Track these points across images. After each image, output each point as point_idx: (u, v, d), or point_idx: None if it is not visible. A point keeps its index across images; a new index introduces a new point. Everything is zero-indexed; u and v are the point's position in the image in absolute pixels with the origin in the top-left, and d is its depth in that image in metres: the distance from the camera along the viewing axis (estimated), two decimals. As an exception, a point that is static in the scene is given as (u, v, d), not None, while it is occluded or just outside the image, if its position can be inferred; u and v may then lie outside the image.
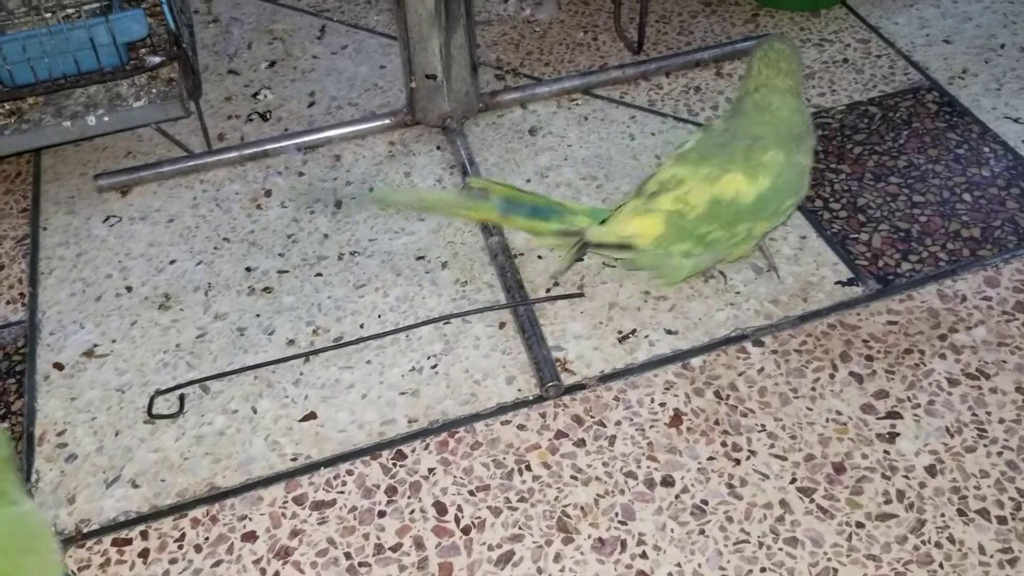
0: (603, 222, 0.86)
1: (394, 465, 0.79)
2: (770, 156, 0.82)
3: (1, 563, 0.60)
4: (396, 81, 1.21)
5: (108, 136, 1.13)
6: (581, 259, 0.94)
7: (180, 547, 0.74)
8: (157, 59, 1.01)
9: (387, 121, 1.13)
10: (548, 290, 0.92)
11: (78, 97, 1.04)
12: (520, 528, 0.74)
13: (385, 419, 0.82)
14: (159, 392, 0.85)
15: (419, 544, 0.73)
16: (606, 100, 1.16)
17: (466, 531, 0.74)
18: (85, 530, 0.76)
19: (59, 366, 0.88)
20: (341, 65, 1.25)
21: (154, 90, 1.04)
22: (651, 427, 0.80)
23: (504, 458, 0.79)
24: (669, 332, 0.88)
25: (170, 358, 0.89)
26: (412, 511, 0.75)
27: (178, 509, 0.77)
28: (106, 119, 0.99)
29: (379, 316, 0.91)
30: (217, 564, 0.73)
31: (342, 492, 0.77)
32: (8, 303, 0.95)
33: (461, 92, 1.10)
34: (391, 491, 0.77)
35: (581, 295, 0.91)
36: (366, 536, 0.74)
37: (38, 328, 0.92)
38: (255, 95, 1.20)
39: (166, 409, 0.84)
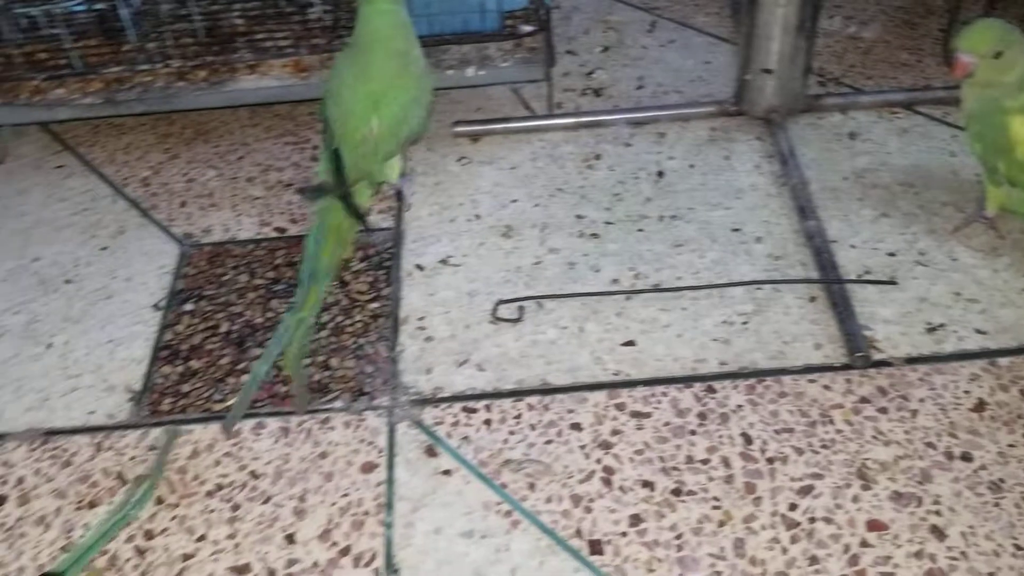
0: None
1: (705, 396, 0.92)
2: None
3: None
4: (720, 76, 1.35)
5: (463, 92, 1.35)
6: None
7: (517, 422, 0.91)
8: (529, 28, 1.22)
9: (711, 108, 1.27)
10: (859, 276, 1.02)
11: (453, 53, 1.26)
12: (821, 469, 0.84)
13: (698, 358, 0.96)
14: (502, 301, 1.03)
15: (726, 463, 0.86)
16: (927, 117, 1.25)
17: (770, 461, 0.86)
18: (439, 396, 0.94)
19: (420, 267, 1.09)
20: (668, 57, 1.41)
21: (517, 55, 1.24)
22: (954, 409, 0.88)
23: (808, 410, 0.90)
24: (979, 332, 0.95)
25: (511, 276, 1.07)
26: (720, 436, 0.88)
27: (516, 394, 0.94)
28: (481, 73, 1.20)
29: (695, 273, 1.05)
30: (548, 442, 0.89)
31: (657, 408, 0.91)
32: (380, 212, 1.17)
33: (791, 90, 1.22)
34: (701, 416, 0.90)
35: (894, 283, 1.01)
36: (678, 447, 0.87)
37: (403, 235, 1.14)
38: (589, 73, 1.39)
39: (507, 315, 1.02)
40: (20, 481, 0.90)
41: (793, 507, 0.81)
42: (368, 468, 0.88)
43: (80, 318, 1.07)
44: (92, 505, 0.87)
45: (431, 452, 0.89)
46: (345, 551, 0.82)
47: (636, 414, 0.90)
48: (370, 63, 0.92)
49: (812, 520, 0.80)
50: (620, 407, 0.91)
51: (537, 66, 1.21)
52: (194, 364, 1.00)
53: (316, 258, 0.93)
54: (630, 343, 0.98)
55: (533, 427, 0.90)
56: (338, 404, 0.94)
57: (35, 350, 1.04)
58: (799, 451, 0.86)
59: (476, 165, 1.24)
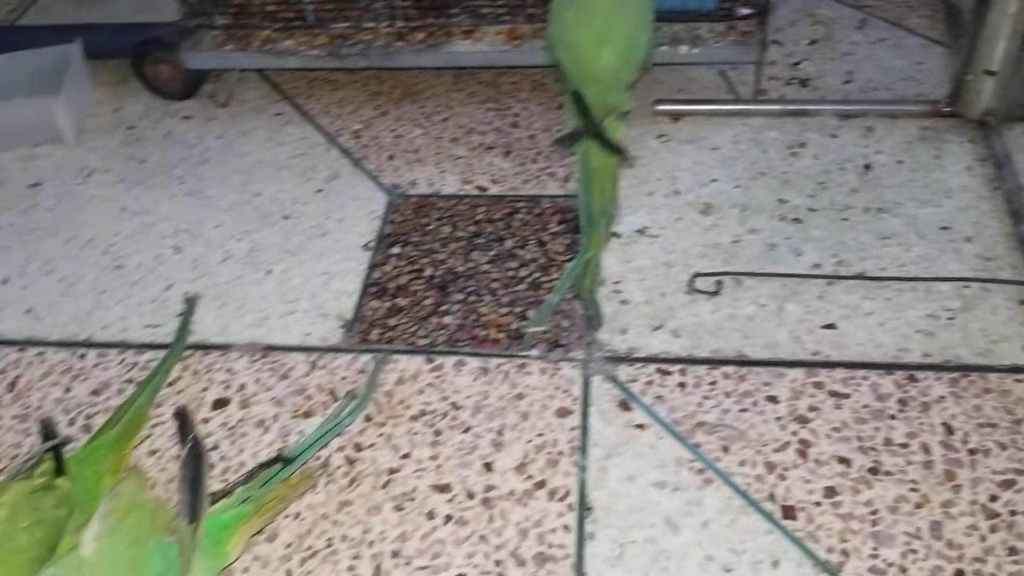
0: None
1: (906, 384, 0.92)
2: None
3: None
4: (932, 77, 1.34)
5: (664, 73, 1.38)
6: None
7: (712, 388, 0.94)
8: (747, 11, 1.24)
9: (923, 108, 1.26)
10: (1079, 285, 1.00)
11: (664, 31, 1.29)
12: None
13: (900, 347, 0.96)
14: (699, 274, 1.06)
15: (926, 449, 0.86)
16: None
17: (972, 452, 0.85)
18: (633, 356, 0.98)
19: (616, 235, 1.13)
20: (879, 54, 1.40)
21: (729, 37, 1.27)
22: None
23: (1014, 408, 0.89)
24: None
25: (708, 251, 1.09)
26: (920, 423, 0.88)
27: (711, 362, 0.96)
28: (694, 51, 1.24)
29: (900, 265, 1.05)
30: (743, 411, 0.91)
31: (857, 390, 0.92)
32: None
33: (1011, 94, 1.20)
34: (902, 403, 0.90)
35: (1116, 294, 0.98)
36: (876, 429, 0.88)
37: (602, 203, 1.18)
38: (796, 64, 1.39)
39: (704, 287, 1.05)
40: (242, 387, 0.99)
41: (994, 498, 0.81)
42: (563, 413, 0.93)
43: (297, 251, 1.16)
44: (307, 415, 0.96)
45: (625, 406, 0.93)
46: (540, 484, 0.87)
47: (835, 394, 0.92)
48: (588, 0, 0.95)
49: (1013, 513, 0.80)
50: (818, 385, 0.93)
51: (751, 49, 1.23)
52: (400, 302, 1.07)
53: (588, 203, 0.97)
54: (831, 326, 0.99)
55: (728, 395, 0.93)
56: (534, 353, 0.99)
57: (256, 275, 1.14)
58: (1002, 446, 0.85)
59: (676, 143, 1.27)
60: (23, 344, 1.08)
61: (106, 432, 0.87)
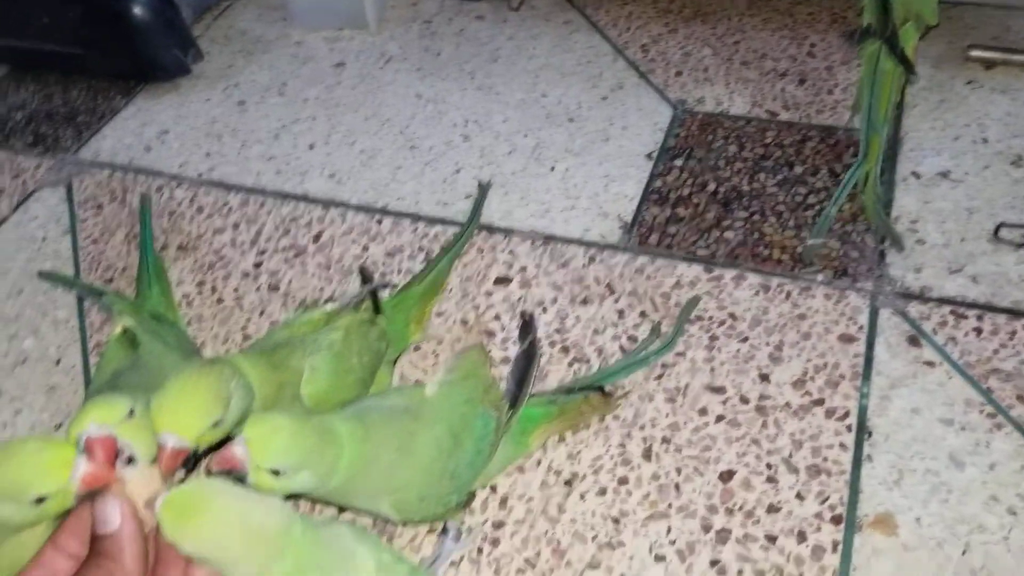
0: None
1: None
2: None
3: None
4: None
5: (978, 18, 1.32)
6: None
7: (1011, 338, 0.91)
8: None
9: None
10: None
11: (991, -29, 1.23)
12: None
13: None
14: (1005, 224, 1.02)
15: None
16: None
17: None
18: (927, 295, 0.97)
19: (916, 175, 1.11)
20: None
21: (1068, -18, 1.19)
22: None
23: None
24: None
25: (1016, 203, 1.05)
26: None
27: (1012, 312, 0.94)
28: (1027, -8, 1.18)
29: None
30: (1045, 364, 0.88)
31: None
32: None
33: None
34: None
35: None
36: None
37: (902, 141, 1.15)
38: None
39: (1009, 237, 1.01)
40: (523, 269, 1.06)
41: None
42: (846, 339, 0.93)
43: (580, 152, 1.22)
44: (585, 302, 1.01)
45: (914, 342, 0.92)
46: (818, 402, 0.88)
47: None
48: None
49: None
50: None
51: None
52: (680, 212, 1.10)
53: (869, 108, 0.96)
54: None
55: (1030, 347, 0.90)
56: (820, 278, 1.00)
57: (540, 170, 1.20)
58: None
59: (987, 91, 1.21)
60: (327, 203, 1.19)
61: (412, 287, 0.96)
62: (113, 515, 0.59)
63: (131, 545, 0.59)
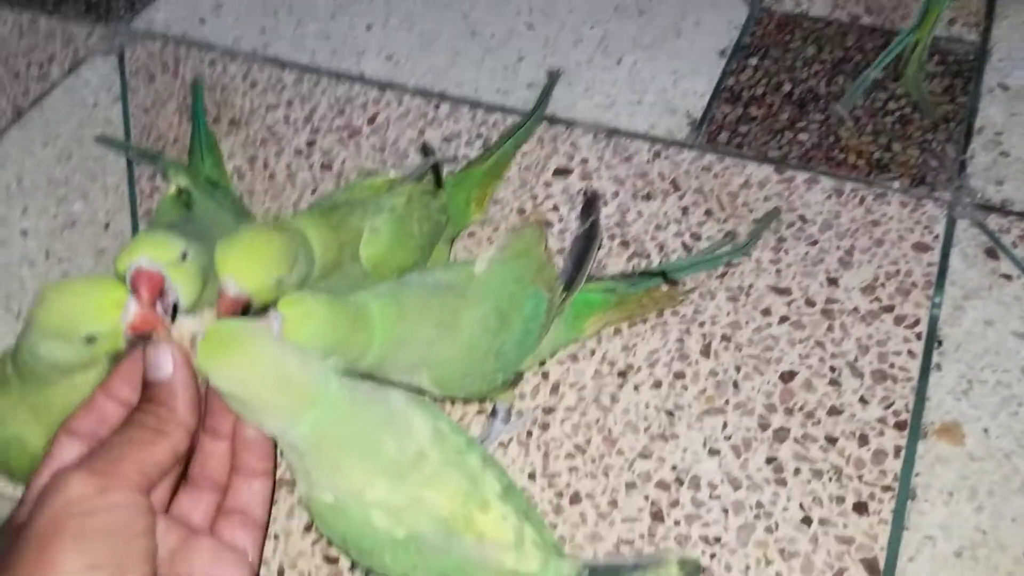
0: None
1: None
2: None
3: None
4: None
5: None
6: None
7: (1097, 257, 0.88)
8: None
9: None
10: None
11: None
12: None
13: None
14: (1097, 141, 0.98)
15: None
16: None
17: None
18: (1008, 208, 0.93)
19: (1004, 86, 1.06)
20: None
21: None
22: None
23: None
24: None
25: (1111, 121, 1.00)
26: None
27: (1099, 231, 0.90)
28: None
29: None
30: None
31: None
32: (964, 25, 1.14)
33: None
34: None
35: None
36: None
37: (990, 52, 1.10)
38: None
39: (1102, 156, 0.97)
40: (584, 161, 1.03)
41: None
42: (921, 248, 0.90)
43: (649, 46, 1.17)
44: (648, 197, 0.99)
45: (991, 254, 0.89)
46: (887, 308, 0.86)
47: None
48: None
49: None
50: None
51: None
52: (753, 111, 1.07)
53: None
54: None
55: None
56: (896, 185, 0.96)
57: (606, 62, 1.16)
58: None
59: (1086, 5, 1.15)
60: (383, 85, 1.17)
61: (475, 167, 0.93)
62: (165, 361, 0.58)
63: (184, 393, 0.58)
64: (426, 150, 0.91)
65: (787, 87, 1.09)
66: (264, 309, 0.64)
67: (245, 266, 0.61)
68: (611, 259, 0.94)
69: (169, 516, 0.62)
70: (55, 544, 0.48)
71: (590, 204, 0.81)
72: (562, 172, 1.03)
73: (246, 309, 0.64)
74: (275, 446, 0.62)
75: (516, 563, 0.59)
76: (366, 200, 0.77)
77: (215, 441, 0.62)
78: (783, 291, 0.88)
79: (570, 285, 0.78)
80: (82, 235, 1.04)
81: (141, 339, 0.62)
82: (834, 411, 0.79)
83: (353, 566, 0.75)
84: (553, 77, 1.11)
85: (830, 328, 0.85)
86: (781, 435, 0.79)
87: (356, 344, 0.61)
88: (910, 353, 0.82)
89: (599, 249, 0.88)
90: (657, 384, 0.84)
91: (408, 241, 0.76)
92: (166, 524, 0.61)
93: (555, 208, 0.99)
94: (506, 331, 0.72)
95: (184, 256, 0.62)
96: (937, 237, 0.91)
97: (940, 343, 0.83)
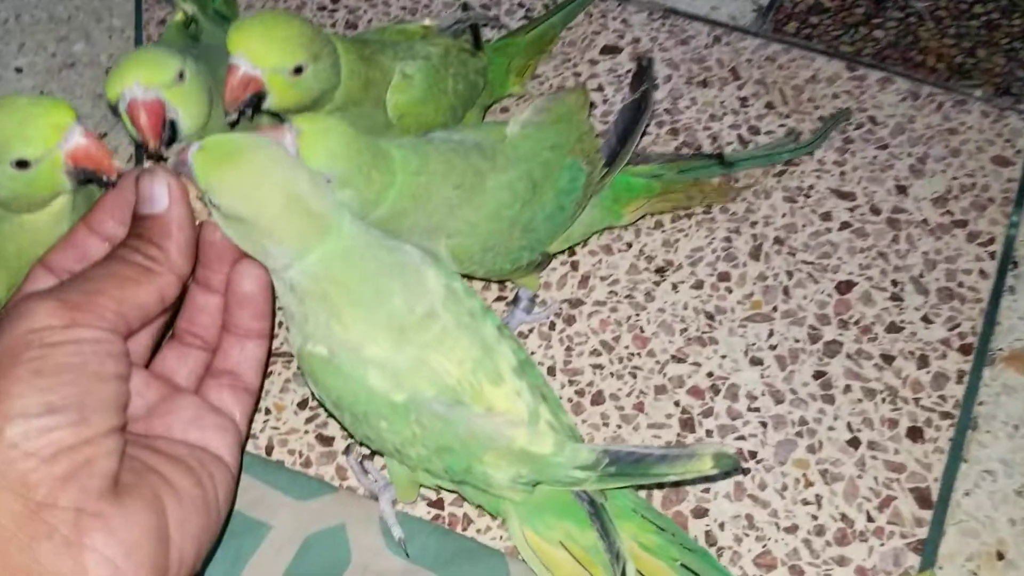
0: None
1: None
2: None
3: None
4: None
5: None
6: None
7: None
8: None
9: None
10: None
11: None
12: None
13: None
14: None
15: None
16: None
17: None
18: (1103, 127, 0.84)
19: (1108, -3, 0.96)
20: None
21: None
22: None
23: None
24: None
25: None
26: None
27: None
28: None
29: None
30: None
31: None
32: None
33: None
34: None
35: None
36: None
37: (1096, -42, 1.00)
38: None
39: None
40: (636, 41, 0.95)
41: None
42: (1000, 162, 0.82)
43: (715, -76, 1.07)
44: (704, 84, 0.90)
45: (1080, 175, 0.81)
46: (960, 224, 0.78)
47: None
48: None
49: None
50: None
51: None
52: (826, 2, 0.97)
53: None
54: None
55: None
56: (978, 93, 0.87)
57: (666, -63, 1.06)
58: None
59: None
60: (420, -57, 1.07)
61: (519, 35, 0.85)
62: (161, 194, 0.51)
63: (178, 232, 0.51)
64: (467, 6, 0.82)
65: (866, -20, 0.99)
66: (278, 120, 0.57)
67: (260, 43, 0.53)
68: (658, 146, 0.86)
69: (150, 371, 0.56)
70: (9, 376, 0.41)
71: (643, 72, 0.72)
72: (610, 50, 0.94)
73: (257, 104, 0.57)
74: (273, 304, 0.56)
75: (528, 443, 0.52)
76: (398, 43, 0.68)
77: (207, 294, 0.56)
78: (846, 195, 0.81)
79: (612, 161, 0.70)
80: (81, 76, 0.97)
81: (83, 173, 0.56)
82: (893, 328, 0.73)
83: (347, 449, 0.69)
84: (608, -54, 1.01)
85: (895, 239, 0.77)
86: (832, 349, 0.72)
87: (373, 184, 0.54)
88: (982, 273, 0.75)
89: (645, 129, 0.79)
90: (699, 284, 0.76)
91: (441, 97, 0.69)
92: (146, 378, 0.55)
93: (600, 88, 0.91)
94: (536, 202, 0.65)
95: (181, 76, 0.55)
96: (1019, 152, 0.83)
97: (1016, 264, 0.75)
